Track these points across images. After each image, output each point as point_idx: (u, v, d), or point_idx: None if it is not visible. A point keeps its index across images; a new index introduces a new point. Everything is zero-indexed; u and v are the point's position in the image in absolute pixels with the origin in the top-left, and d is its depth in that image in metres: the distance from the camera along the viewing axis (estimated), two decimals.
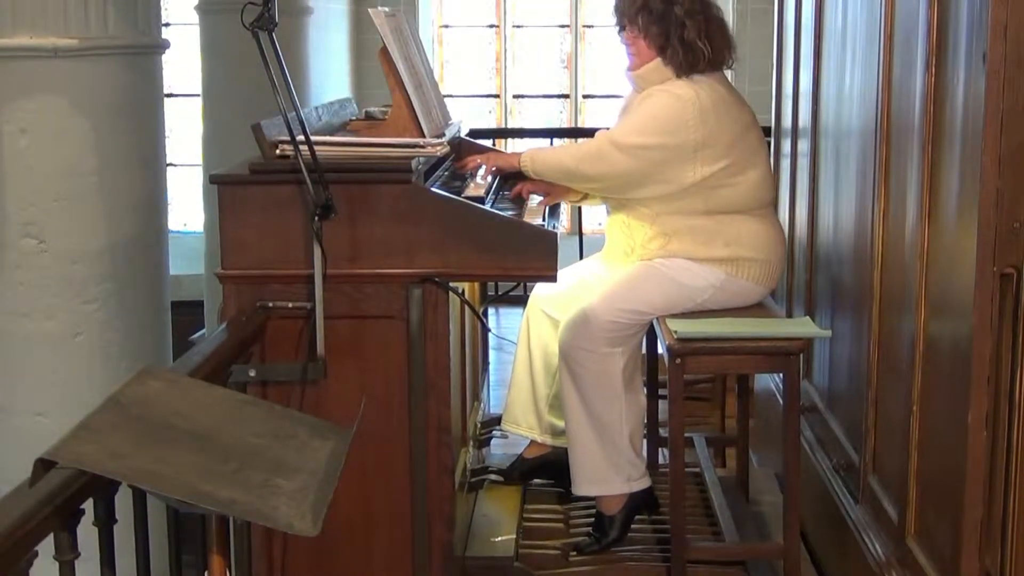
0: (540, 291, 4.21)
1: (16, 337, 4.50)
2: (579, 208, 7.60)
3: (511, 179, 4.08)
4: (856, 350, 3.70)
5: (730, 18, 9.19)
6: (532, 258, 3.29)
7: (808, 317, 4.15)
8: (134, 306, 4.64)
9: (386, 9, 3.86)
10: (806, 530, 4.07)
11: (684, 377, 3.69)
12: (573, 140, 5.93)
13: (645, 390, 4.16)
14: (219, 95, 7.79)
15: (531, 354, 4.20)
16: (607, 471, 3.89)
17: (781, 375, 4.15)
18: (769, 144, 4.86)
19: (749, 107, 3.95)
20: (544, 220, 3.70)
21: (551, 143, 6.76)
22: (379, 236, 3.26)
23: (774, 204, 4.08)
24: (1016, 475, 2.63)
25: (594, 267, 4.17)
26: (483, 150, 4.40)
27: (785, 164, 4.89)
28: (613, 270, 4.00)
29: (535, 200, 4.03)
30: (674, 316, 3.81)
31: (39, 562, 1.98)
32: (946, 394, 2.85)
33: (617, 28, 3.95)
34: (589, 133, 4.32)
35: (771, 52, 5.12)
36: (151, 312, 4.75)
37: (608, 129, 3.91)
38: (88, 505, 2.14)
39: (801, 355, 3.68)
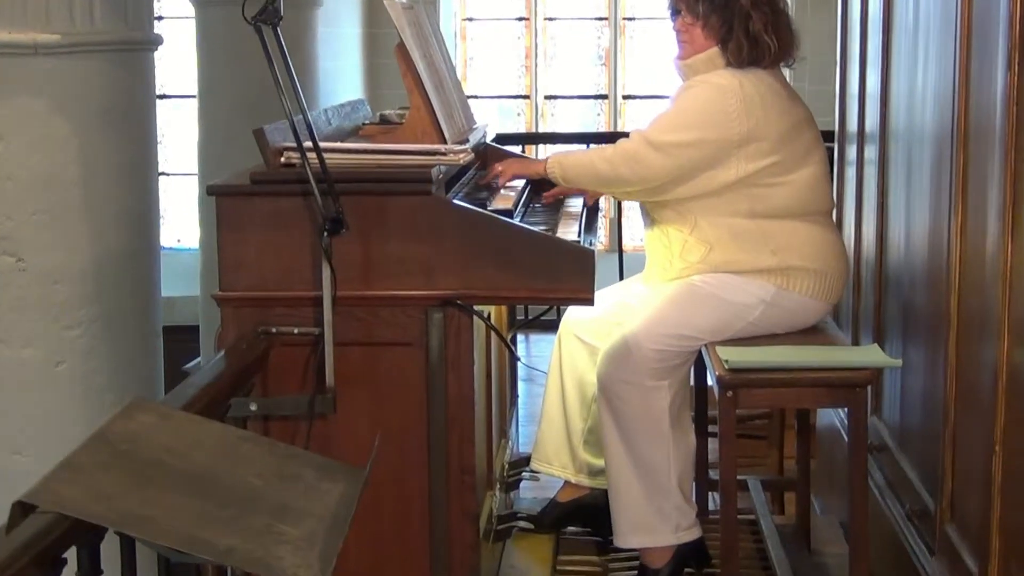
0: (574, 314, 4.21)
1: None
2: (618, 223, 7.62)
3: (543, 189, 4.09)
4: (931, 382, 3.69)
5: (788, 8, 9.08)
6: (566, 278, 3.29)
7: (876, 345, 4.14)
8: (122, 331, 4.66)
9: (403, 1, 3.88)
10: None
11: (737, 412, 3.68)
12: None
13: (694, 427, 4.15)
14: (217, 96, 7.83)
15: (563, 384, 4.20)
16: (652, 519, 3.88)
17: (846, 410, 4.13)
18: (831, 151, 4.85)
19: (802, 103, 3.96)
20: (579, 236, 3.71)
21: (587, 148, 6.77)
22: (395, 254, 3.27)
23: (831, 212, 4.08)
24: None
25: (634, 288, 4.17)
26: (511, 157, 4.42)
27: (850, 173, 4.88)
28: (654, 290, 4.00)
29: (574, 205, 4.04)
30: (725, 343, 3.80)
31: None
32: None
33: (670, 12, 3.97)
34: None
35: (834, 47, 5.11)
36: (140, 338, 4.77)
37: (641, 129, 3.92)
38: (71, 553, 2.15)
39: (869, 388, 3.67)
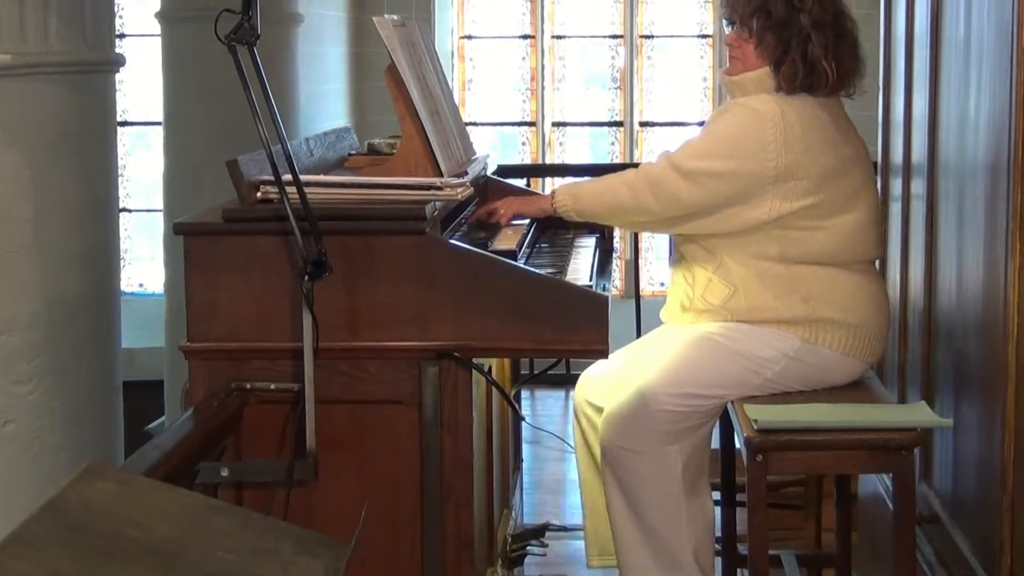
0: (586, 380, 4.18)
1: None
2: (635, 265, 7.62)
3: (552, 227, 4.10)
4: (986, 444, 3.68)
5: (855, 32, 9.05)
6: (577, 328, 3.29)
7: (924, 402, 4.13)
8: (76, 387, 4.66)
9: (394, 17, 3.90)
10: None
11: (768, 479, 3.67)
12: None
13: (717, 495, 4.14)
14: (185, 123, 7.87)
15: (595, 462, 4.14)
16: None
17: (891, 476, 4.12)
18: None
19: (858, 139, 3.96)
20: (591, 280, 3.71)
21: None
22: (385, 300, 3.28)
23: (876, 260, 4.07)
24: None
25: (648, 343, 4.15)
26: (515, 192, 4.42)
27: (895, 209, 4.88)
28: (666, 337, 3.99)
29: (586, 244, 4.04)
30: (753, 400, 3.80)
31: None
32: None
33: (726, 22, 3.99)
34: None
35: (877, 69, 5.13)
36: (98, 394, 4.77)
37: (669, 152, 3.92)
38: None
39: (917, 450, 3.66)
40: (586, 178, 4.02)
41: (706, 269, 3.90)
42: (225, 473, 3.14)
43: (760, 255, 3.84)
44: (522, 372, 5.18)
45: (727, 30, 3.99)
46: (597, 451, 4.12)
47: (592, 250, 4.13)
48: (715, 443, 4.10)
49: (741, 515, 4.24)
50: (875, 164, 4.93)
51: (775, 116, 3.77)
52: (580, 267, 3.88)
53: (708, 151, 3.82)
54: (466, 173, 3.87)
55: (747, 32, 3.89)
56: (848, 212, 3.86)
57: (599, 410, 4.10)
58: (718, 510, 4.26)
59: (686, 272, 3.96)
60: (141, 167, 10.69)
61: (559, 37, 10.88)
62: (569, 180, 8.36)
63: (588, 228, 4.38)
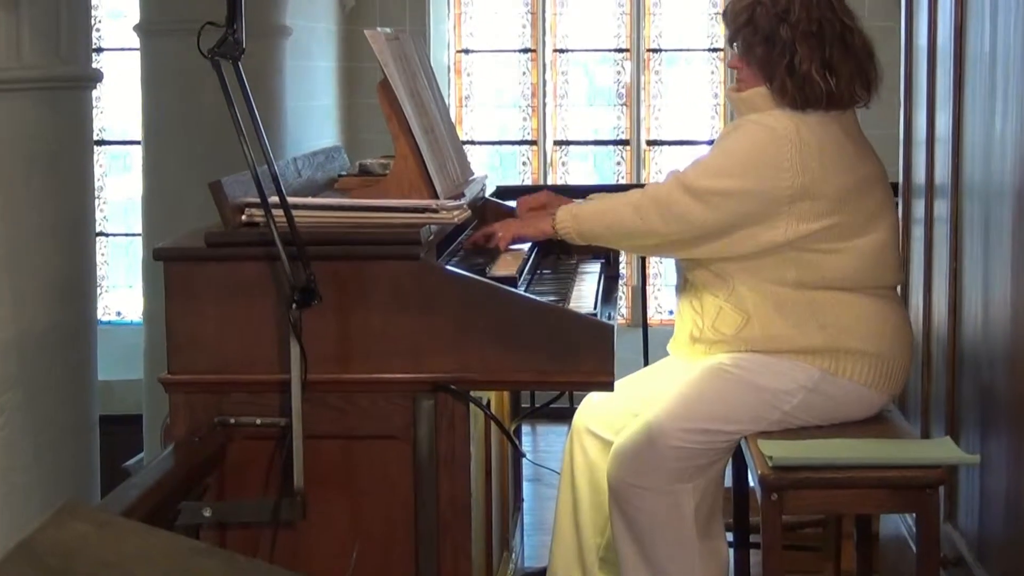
0: (589, 404, 4.19)
1: None
2: (642, 292, 7.62)
3: (555, 251, 4.09)
4: (1015, 482, 3.68)
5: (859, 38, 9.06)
6: (581, 359, 3.29)
7: (949, 438, 4.13)
8: (50, 422, 4.66)
9: (387, 30, 3.91)
10: None
11: (784, 519, 3.67)
12: None
13: (731, 535, 4.13)
14: (166, 142, 7.88)
15: (576, 490, 4.16)
16: None
17: (914, 516, 4.12)
18: (896, 206, 4.86)
19: (875, 157, 3.96)
20: (596, 308, 3.71)
21: None
22: (377, 330, 3.28)
23: (898, 285, 4.07)
24: None
25: (658, 372, 4.16)
26: (514, 215, 4.42)
27: (918, 232, 4.89)
28: (675, 373, 3.99)
29: (591, 270, 4.04)
30: (768, 436, 3.79)
31: None
32: None
33: (729, 40, 4.03)
34: None
35: (897, 84, 5.13)
36: (72, 430, 4.77)
37: (678, 170, 3.92)
38: None
39: (941, 489, 3.66)
40: (591, 197, 4.00)
41: (716, 296, 3.90)
42: (207, 513, 3.14)
43: (775, 280, 3.84)
44: (523, 406, 5.17)
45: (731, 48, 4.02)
46: (582, 480, 4.15)
47: (597, 276, 4.13)
48: (727, 481, 4.09)
49: (755, 557, 4.24)
50: (896, 185, 4.94)
51: (790, 133, 3.78)
52: (584, 294, 3.88)
53: (720, 169, 3.82)
54: (463, 195, 3.87)
55: (741, 49, 3.92)
56: (868, 233, 3.86)
57: (598, 439, 4.11)
58: (731, 552, 4.26)
59: (694, 300, 3.96)
60: (119, 189, 10.69)
61: (561, 51, 10.89)
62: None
63: (592, 253, 4.38)
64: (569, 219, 3.93)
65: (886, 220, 3.93)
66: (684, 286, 4.02)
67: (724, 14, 4.01)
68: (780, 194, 3.76)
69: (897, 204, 4.64)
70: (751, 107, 3.89)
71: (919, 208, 4.87)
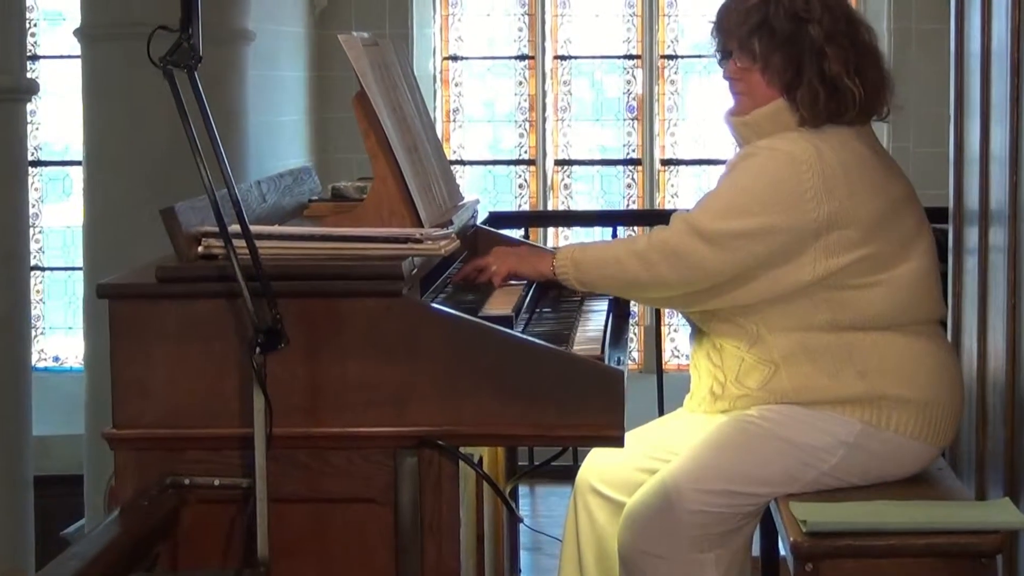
0: (595, 460, 4.19)
1: None
2: (656, 333, 7.61)
3: (556, 286, 4.10)
4: None
5: (884, 45, 9.14)
6: (586, 410, 3.29)
7: (1008, 499, 4.14)
8: None
9: (364, 34, 3.91)
10: None
11: None
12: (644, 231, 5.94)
13: None
14: (111, 162, 7.88)
15: (581, 560, 4.16)
16: None
17: None
18: (946, 234, 4.86)
19: (902, 174, 3.97)
20: (604, 351, 3.71)
21: (613, 233, 6.79)
22: (353, 377, 3.28)
23: (943, 321, 4.07)
24: None
25: (675, 424, 4.16)
26: (509, 244, 4.43)
27: (971, 264, 4.89)
28: (696, 427, 3.99)
29: (597, 308, 4.04)
30: (800, 497, 3.79)
31: None
32: None
33: (718, 56, 4.00)
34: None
35: (946, 96, 5.15)
36: (4, 491, 4.76)
37: (686, 211, 3.91)
38: None
39: (999, 558, 3.66)
40: (598, 237, 4.00)
41: (738, 347, 3.89)
42: None
43: (804, 324, 3.83)
44: (520, 464, 5.17)
45: (722, 66, 3.99)
46: (587, 544, 4.14)
47: (604, 315, 4.13)
48: (755, 550, 4.09)
49: None
50: (945, 211, 4.95)
51: (809, 157, 3.76)
52: (590, 336, 3.88)
53: (733, 207, 3.81)
54: (451, 222, 3.87)
55: (750, 58, 3.88)
56: (903, 262, 3.86)
57: (607, 501, 4.10)
58: None
59: (711, 352, 3.95)
60: (57, 216, 10.70)
61: (563, 58, 10.92)
62: (580, 232, 8.40)
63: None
64: (569, 265, 3.92)
65: (921, 245, 3.92)
66: (699, 336, 4.02)
67: (720, 20, 3.97)
68: (806, 228, 3.75)
69: (946, 232, 4.65)
70: (759, 132, 3.87)
71: (972, 236, 4.87)
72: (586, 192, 10.96)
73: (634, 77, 10.85)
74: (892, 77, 3.96)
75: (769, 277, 3.80)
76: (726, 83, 3.99)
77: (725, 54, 3.95)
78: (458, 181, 4.49)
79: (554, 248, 4.04)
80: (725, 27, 3.94)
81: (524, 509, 6.89)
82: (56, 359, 10.68)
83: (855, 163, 3.81)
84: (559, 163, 10.93)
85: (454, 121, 10.92)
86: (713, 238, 3.78)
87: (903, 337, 3.87)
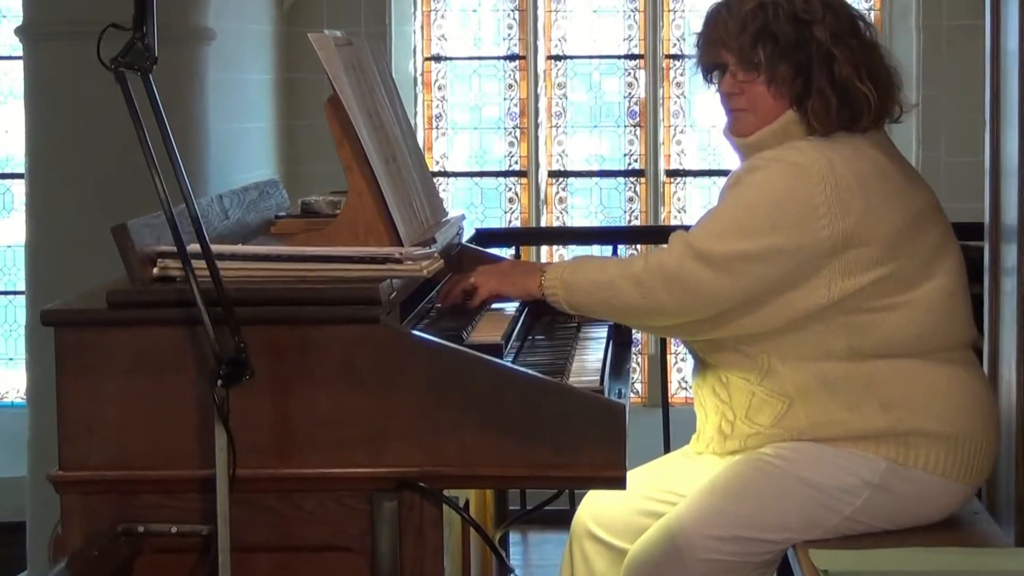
0: (593, 503, 4.19)
1: None
2: (661, 362, 7.62)
3: (551, 311, 4.10)
4: None
5: (912, 44, 9.12)
6: (583, 447, 3.29)
7: None
8: None
9: (337, 33, 3.91)
10: None
11: None
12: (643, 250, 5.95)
13: None
14: (56, 175, 7.89)
15: None
16: None
17: None
18: (981, 252, 4.86)
19: (924, 183, 3.98)
20: (603, 383, 3.71)
21: (614, 252, 6.79)
22: (325, 412, 3.28)
23: (976, 348, 4.07)
24: None
25: (680, 462, 4.16)
26: (497, 263, 4.43)
27: (1009, 285, 4.89)
28: (705, 465, 4.00)
29: (596, 334, 4.04)
30: (820, 544, 3.80)
31: None
32: None
33: (706, 70, 3.99)
34: None
35: (981, 99, 5.15)
36: None
37: (685, 229, 3.91)
38: None
39: None
40: (594, 253, 3.99)
41: (747, 380, 3.88)
42: None
43: (820, 353, 3.82)
44: (511, 508, 5.17)
45: (711, 83, 3.99)
46: None
47: (604, 342, 4.13)
48: None
49: None
50: (980, 226, 4.95)
51: (821, 168, 3.75)
52: (588, 366, 3.88)
53: (738, 227, 3.80)
54: (434, 241, 3.88)
55: (750, 70, 3.87)
56: (928, 280, 3.85)
57: (605, 548, 4.11)
58: None
59: (717, 385, 3.95)
60: None
61: (557, 58, 10.94)
62: (574, 249, 8.40)
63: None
64: (559, 286, 3.88)
65: (947, 261, 3.92)
66: (702, 368, 4.00)
67: (707, 30, 3.98)
68: (819, 247, 3.75)
69: (982, 249, 4.65)
70: (761, 149, 3.88)
71: (1010, 255, 4.87)
72: (583, 207, 10.96)
73: (636, 79, 10.86)
74: (899, 72, 3.96)
75: (780, 303, 3.79)
76: (722, 99, 3.97)
77: (719, 68, 3.94)
78: (442, 195, 4.49)
79: (544, 264, 4.02)
80: (714, 37, 3.94)
81: (515, 558, 6.90)
82: None
83: (871, 173, 3.81)
84: (553, 175, 10.93)
85: (437, 128, 10.93)
86: (716, 261, 3.76)
87: (930, 365, 3.87)
